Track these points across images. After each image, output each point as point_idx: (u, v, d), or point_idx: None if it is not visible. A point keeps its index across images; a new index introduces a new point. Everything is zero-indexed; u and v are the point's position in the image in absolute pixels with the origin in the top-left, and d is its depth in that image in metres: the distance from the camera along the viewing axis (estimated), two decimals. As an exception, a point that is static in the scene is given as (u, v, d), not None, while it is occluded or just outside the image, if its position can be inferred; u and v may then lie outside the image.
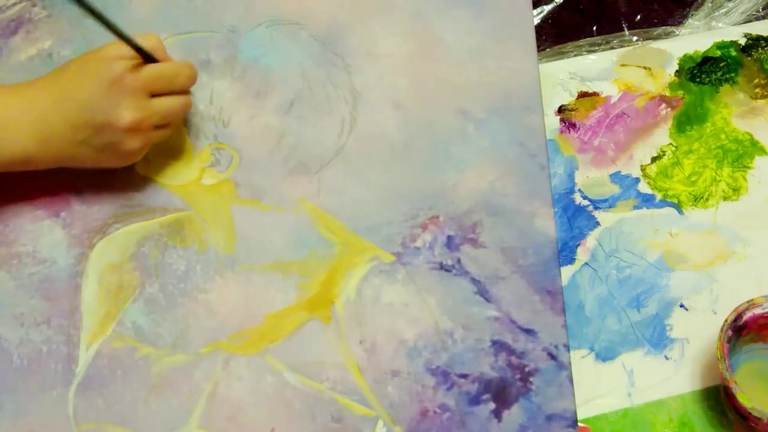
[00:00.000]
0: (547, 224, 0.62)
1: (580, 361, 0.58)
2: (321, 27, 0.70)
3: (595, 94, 0.68)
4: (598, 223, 0.63)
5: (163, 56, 0.60)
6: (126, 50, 0.58)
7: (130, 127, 0.57)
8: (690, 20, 0.71)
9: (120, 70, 0.57)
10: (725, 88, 0.68)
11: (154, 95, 0.59)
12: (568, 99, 0.68)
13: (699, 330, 0.58)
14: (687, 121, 0.67)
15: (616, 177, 0.65)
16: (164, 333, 0.59)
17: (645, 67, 0.69)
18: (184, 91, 0.61)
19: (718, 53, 0.69)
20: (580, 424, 0.56)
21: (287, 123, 0.67)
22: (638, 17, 0.72)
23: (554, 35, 0.72)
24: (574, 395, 0.56)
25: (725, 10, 0.71)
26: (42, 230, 0.62)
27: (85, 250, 0.62)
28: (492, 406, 0.56)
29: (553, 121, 0.67)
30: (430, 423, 0.56)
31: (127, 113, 0.57)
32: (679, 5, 0.72)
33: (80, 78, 0.57)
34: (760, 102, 0.67)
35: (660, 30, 0.71)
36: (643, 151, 0.66)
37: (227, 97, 0.68)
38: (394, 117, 0.66)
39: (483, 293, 0.59)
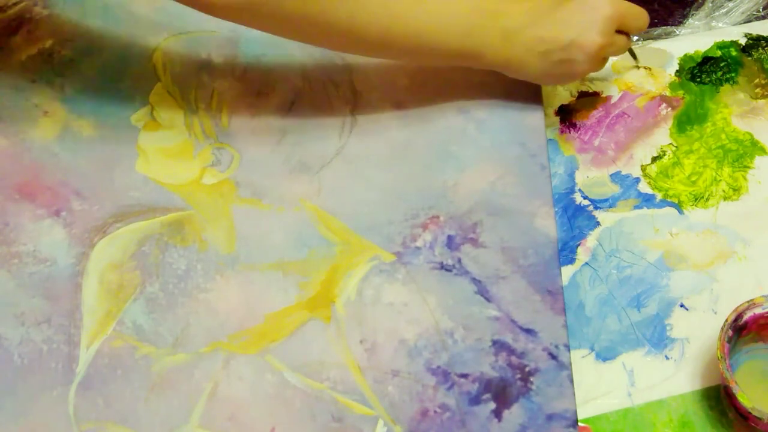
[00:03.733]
0: (548, 224, 0.62)
1: (581, 361, 0.58)
2: (321, 27, 0.70)
3: (595, 94, 0.68)
4: (598, 223, 0.63)
5: None
6: None
7: (595, 51, 0.60)
8: (690, 20, 0.71)
9: (598, 0, 0.60)
10: (725, 88, 0.68)
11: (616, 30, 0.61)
12: (568, 99, 0.68)
13: (699, 330, 0.58)
14: (687, 120, 0.67)
15: (616, 177, 0.65)
16: (165, 332, 0.59)
17: (645, 67, 0.69)
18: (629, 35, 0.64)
19: (719, 53, 0.69)
20: (580, 424, 0.56)
21: (288, 123, 0.67)
22: (638, 17, 0.72)
23: (554, 35, 0.72)
24: (574, 395, 0.56)
25: (725, 10, 0.71)
26: (42, 229, 0.62)
27: (86, 249, 0.62)
28: (492, 405, 0.56)
29: (553, 121, 0.67)
30: (431, 423, 0.56)
31: (598, 38, 0.60)
32: (679, 5, 0.72)
33: None
34: (761, 102, 0.67)
35: (660, 30, 0.71)
36: (643, 151, 0.66)
37: (228, 97, 0.68)
38: (394, 117, 0.67)
39: (483, 293, 0.59)
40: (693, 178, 0.64)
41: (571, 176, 0.65)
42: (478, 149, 0.65)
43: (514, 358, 0.57)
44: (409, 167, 0.64)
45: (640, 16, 0.62)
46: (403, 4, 0.58)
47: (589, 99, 0.68)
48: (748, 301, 0.54)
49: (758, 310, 0.54)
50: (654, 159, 0.65)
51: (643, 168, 0.65)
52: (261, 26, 0.59)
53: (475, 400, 0.56)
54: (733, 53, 0.69)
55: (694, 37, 0.70)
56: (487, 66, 0.63)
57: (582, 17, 0.60)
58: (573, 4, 0.60)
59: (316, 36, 0.60)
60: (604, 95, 0.68)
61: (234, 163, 0.65)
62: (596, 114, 0.68)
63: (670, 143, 0.66)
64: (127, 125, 0.67)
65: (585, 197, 0.64)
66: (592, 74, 0.66)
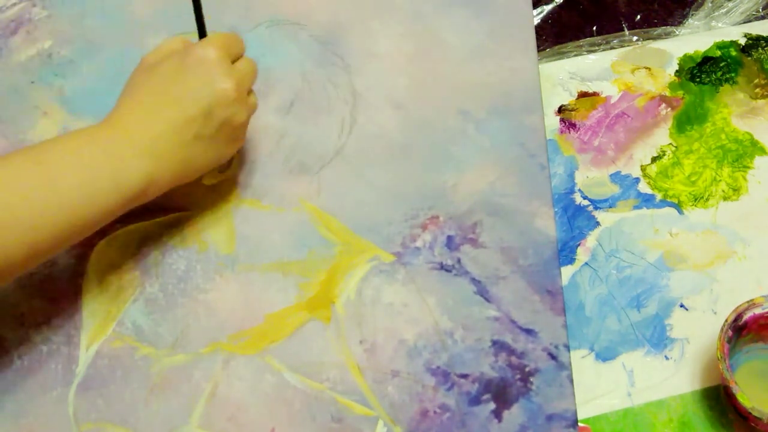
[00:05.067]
0: (547, 224, 0.62)
1: (580, 361, 0.58)
2: (321, 27, 0.70)
3: (595, 94, 0.68)
4: (598, 223, 0.63)
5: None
6: (178, 41, 0.57)
7: (235, 94, 0.55)
8: (690, 20, 0.71)
9: (196, 51, 0.55)
10: (725, 88, 0.68)
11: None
12: (568, 99, 0.68)
13: (699, 330, 0.58)
14: (687, 121, 0.67)
15: (616, 177, 0.65)
16: (164, 333, 0.59)
17: (645, 67, 0.69)
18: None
19: (718, 53, 0.69)
20: (580, 424, 0.56)
21: (287, 123, 0.67)
22: (638, 17, 0.72)
23: (554, 35, 0.72)
24: (574, 395, 0.56)
25: (725, 10, 0.71)
26: (42, 230, 0.62)
27: (86, 250, 0.62)
28: (492, 406, 0.56)
29: (553, 121, 0.67)
30: (430, 423, 0.56)
31: (227, 83, 0.55)
32: (679, 5, 0.72)
33: (163, 79, 0.55)
34: (760, 102, 0.67)
35: (660, 30, 0.71)
36: (643, 151, 0.66)
37: (227, 97, 0.68)
38: (394, 117, 0.67)
39: (483, 293, 0.59)
40: (693, 178, 0.64)
41: (571, 176, 0.65)
42: (478, 149, 0.65)
43: (513, 359, 0.57)
44: (409, 167, 0.64)
45: (232, 39, 0.58)
46: (34, 212, 0.50)
47: (589, 99, 0.68)
48: (748, 301, 0.54)
49: (758, 310, 0.54)
50: (654, 159, 0.65)
51: (643, 168, 0.65)
52: None
53: (475, 401, 0.56)
54: (733, 53, 0.69)
55: (694, 37, 0.70)
56: (167, 186, 0.56)
57: (197, 80, 0.54)
58: (180, 75, 0.55)
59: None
60: (603, 95, 0.68)
61: (234, 164, 0.65)
62: (596, 114, 0.68)
63: (670, 143, 0.66)
64: (126, 126, 0.67)
65: (585, 197, 0.64)
66: (592, 74, 0.66)
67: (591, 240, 0.62)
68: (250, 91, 0.59)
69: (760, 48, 0.69)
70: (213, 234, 0.62)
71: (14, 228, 0.49)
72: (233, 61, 0.57)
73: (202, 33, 0.57)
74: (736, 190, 0.64)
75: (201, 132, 0.55)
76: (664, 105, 0.68)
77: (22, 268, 0.52)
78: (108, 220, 0.54)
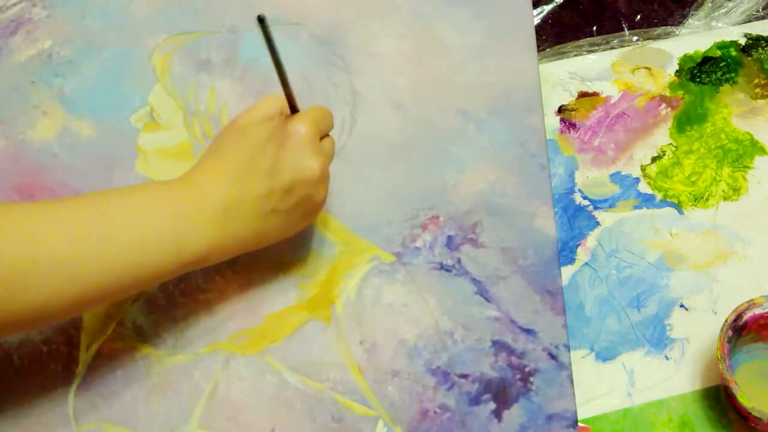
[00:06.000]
0: (547, 224, 0.62)
1: (581, 361, 0.58)
2: (321, 27, 0.70)
3: (595, 94, 0.68)
4: (598, 223, 0.63)
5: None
6: (275, 105, 0.55)
7: (320, 173, 0.54)
8: (690, 20, 0.71)
9: (291, 126, 0.54)
10: (725, 88, 0.68)
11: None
12: (568, 99, 0.68)
13: (699, 330, 0.58)
14: (687, 121, 0.67)
15: (616, 177, 0.65)
16: (164, 333, 0.59)
17: (645, 67, 0.69)
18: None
19: (718, 53, 0.69)
20: (580, 424, 0.56)
21: (287, 123, 0.67)
22: (638, 17, 0.72)
23: (554, 35, 0.72)
24: (574, 395, 0.56)
25: (725, 10, 0.71)
26: (42, 230, 0.62)
27: (85, 250, 0.62)
28: (492, 406, 0.56)
29: (553, 121, 0.67)
30: (431, 423, 0.56)
31: (314, 162, 0.53)
32: (679, 5, 0.72)
33: (252, 147, 0.53)
34: (760, 102, 0.67)
35: (660, 30, 0.71)
36: (643, 151, 0.66)
37: (228, 98, 0.68)
38: (394, 117, 0.66)
39: (483, 293, 0.59)
40: (693, 179, 0.64)
41: (571, 176, 0.65)
42: (478, 149, 0.65)
43: (514, 359, 0.57)
44: (409, 167, 0.64)
45: (326, 114, 0.57)
46: (92, 262, 0.48)
47: (589, 99, 0.68)
48: (748, 301, 0.54)
49: (758, 310, 0.54)
50: (654, 159, 0.65)
51: (643, 168, 0.65)
52: None
53: (475, 401, 0.56)
54: (733, 53, 0.69)
55: (694, 37, 0.70)
56: (232, 256, 0.55)
57: (288, 155, 0.53)
58: (270, 146, 0.53)
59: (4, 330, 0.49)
60: (603, 95, 0.68)
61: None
62: (596, 114, 0.68)
63: (670, 143, 0.66)
64: (126, 125, 0.67)
65: (585, 197, 0.64)
66: (592, 74, 0.66)
67: (591, 240, 0.62)
68: None
69: (760, 48, 0.69)
70: (213, 234, 0.62)
71: (62, 275, 0.47)
72: (321, 138, 0.56)
73: (293, 108, 0.55)
74: (736, 190, 0.64)
75: (279, 206, 0.54)
76: (664, 105, 0.68)
77: (60, 317, 0.50)
78: (160, 280, 0.52)
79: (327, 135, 0.58)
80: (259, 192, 0.53)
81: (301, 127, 0.54)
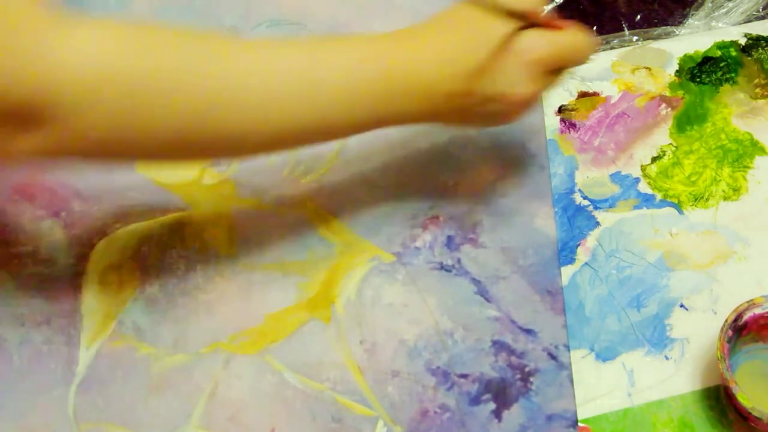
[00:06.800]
0: (548, 224, 0.62)
1: (580, 361, 0.58)
2: (321, 27, 0.70)
3: (595, 94, 0.68)
4: (598, 223, 0.63)
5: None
6: (533, 2, 0.51)
7: (527, 101, 0.51)
8: (690, 20, 0.71)
9: (528, 40, 0.50)
10: (725, 88, 0.68)
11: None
12: (568, 99, 0.68)
13: (699, 330, 0.58)
14: (687, 121, 0.67)
15: (616, 177, 0.65)
16: (164, 333, 0.59)
17: (645, 67, 0.69)
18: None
19: (718, 53, 0.69)
20: (580, 424, 0.56)
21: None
22: (638, 17, 0.72)
23: (554, 35, 0.72)
24: (574, 395, 0.56)
25: (725, 10, 0.71)
26: (42, 230, 0.62)
27: (86, 250, 0.62)
28: (492, 406, 0.56)
29: (553, 121, 0.67)
30: (431, 423, 0.56)
31: (525, 89, 0.51)
32: (679, 5, 0.72)
33: (475, 38, 0.50)
34: (760, 102, 0.67)
35: (660, 30, 0.71)
36: (643, 151, 0.66)
37: (227, 97, 0.68)
38: (394, 117, 0.66)
39: (483, 293, 0.59)
40: (693, 178, 0.64)
41: (571, 176, 0.65)
42: (478, 149, 0.65)
43: (514, 359, 0.57)
44: (409, 167, 0.64)
45: (581, 49, 0.53)
46: (295, 99, 0.48)
47: (589, 99, 0.68)
48: (748, 301, 0.54)
49: (758, 310, 0.54)
50: (654, 159, 0.65)
51: (643, 168, 0.65)
52: (128, 159, 0.52)
53: (475, 401, 0.56)
54: (733, 53, 0.69)
55: (694, 37, 0.70)
56: (410, 124, 0.55)
57: (505, 68, 0.50)
58: (491, 44, 0.50)
59: (202, 154, 0.52)
60: (603, 95, 0.68)
61: (234, 164, 0.65)
62: (596, 114, 0.68)
63: (670, 143, 0.66)
64: (126, 125, 0.67)
65: (585, 197, 0.64)
66: (592, 74, 0.66)
67: (591, 240, 0.62)
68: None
69: (760, 48, 0.69)
70: (213, 234, 0.62)
71: (265, 107, 0.47)
72: (559, 68, 0.53)
73: (546, 24, 0.51)
74: (736, 190, 0.64)
75: (470, 108, 0.52)
76: (664, 105, 0.67)
77: (246, 152, 0.52)
78: (341, 135, 0.54)
79: (567, 67, 0.53)
80: (458, 87, 0.51)
81: (535, 47, 0.50)
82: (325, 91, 0.49)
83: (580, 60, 0.54)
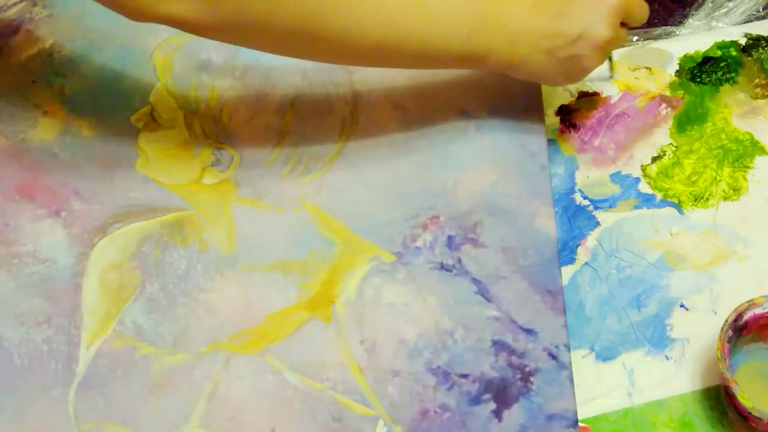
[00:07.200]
0: (548, 224, 0.62)
1: (581, 361, 0.58)
2: None
3: (595, 94, 0.68)
4: (598, 223, 0.63)
5: None
6: None
7: (603, 45, 0.58)
8: (690, 20, 0.71)
9: None
10: (725, 88, 0.68)
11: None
12: (568, 99, 0.68)
13: (699, 330, 0.58)
14: (687, 121, 0.67)
15: (616, 177, 0.65)
16: (165, 332, 0.59)
17: (645, 67, 0.69)
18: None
19: (719, 53, 0.69)
20: (580, 424, 0.56)
21: (288, 122, 0.67)
22: (638, 17, 0.72)
23: (554, 35, 0.72)
24: (574, 395, 0.56)
25: (725, 10, 0.71)
26: (42, 230, 0.62)
27: (86, 249, 0.62)
28: (492, 406, 0.56)
29: (553, 121, 0.67)
30: (431, 423, 0.56)
31: (606, 30, 0.57)
32: (679, 5, 0.72)
33: None
34: (761, 102, 0.67)
35: (660, 30, 0.71)
36: (643, 151, 0.66)
37: (228, 97, 0.68)
38: (394, 117, 0.67)
39: (483, 293, 0.59)
40: (693, 178, 0.64)
41: (571, 176, 0.65)
42: (478, 149, 0.65)
43: (514, 358, 0.57)
44: (409, 167, 0.64)
45: (642, 6, 0.60)
46: (399, 12, 0.55)
47: (589, 99, 0.68)
48: (748, 301, 0.54)
49: (758, 310, 0.54)
50: (654, 159, 0.65)
51: (643, 168, 0.65)
52: (248, 44, 0.57)
53: (475, 400, 0.56)
54: (733, 53, 0.69)
55: (694, 37, 0.70)
56: (492, 68, 0.61)
57: (589, 9, 0.57)
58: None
59: (308, 51, 0.58)
60: (604, 95, 0.68)
61: (234, 163, 0.65)
62: (596, 114, 0.68)
63: (670, 143, 0.66)
64: (127, 125, 0.67)
65: (585, 197, 0.64)
66: (592, 74, 0.66)
67: (591, 240, 0.62)
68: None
69: (760, 48, 0.69)
70: (213, 233, 0.62)
71: (375, 19, 0.54)
72: (622, 24, 0.59)
73: None
74: (737, 190, 0.64)
75: (555, 50, 0.58)
76: (664, 105, 0.68)
77: (350, 60, 0.60)
78: (429, 65, 0.62)
79: (632, 21, 0.60)
80: (545, 29, 0.57)
81: None
82: (430, 12, 0.55)
83: (642, 17, 0.60)
